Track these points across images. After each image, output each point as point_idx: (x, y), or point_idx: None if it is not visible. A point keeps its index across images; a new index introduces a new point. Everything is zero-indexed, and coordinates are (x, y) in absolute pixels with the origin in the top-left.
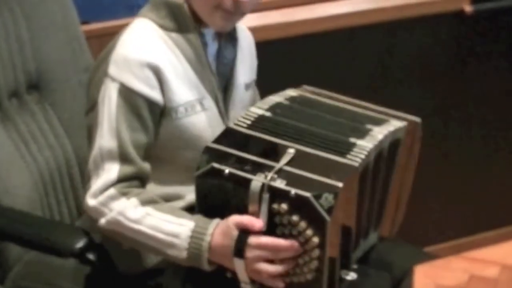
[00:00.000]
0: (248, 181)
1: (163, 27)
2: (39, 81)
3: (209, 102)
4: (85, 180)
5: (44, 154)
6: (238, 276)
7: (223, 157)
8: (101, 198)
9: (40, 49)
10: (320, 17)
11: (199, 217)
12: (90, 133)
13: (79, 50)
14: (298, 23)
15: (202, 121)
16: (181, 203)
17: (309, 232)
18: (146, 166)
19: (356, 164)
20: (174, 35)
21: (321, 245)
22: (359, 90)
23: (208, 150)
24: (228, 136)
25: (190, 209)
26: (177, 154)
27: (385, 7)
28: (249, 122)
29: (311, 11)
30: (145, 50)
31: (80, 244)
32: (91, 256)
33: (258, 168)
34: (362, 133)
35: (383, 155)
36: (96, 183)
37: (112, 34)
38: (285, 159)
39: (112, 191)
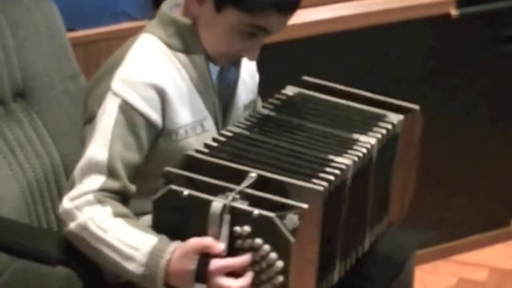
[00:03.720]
0: (208, 202)
1: (169, 45)
2: (25, 89)
3: (210, 123)
4: (67, 186)
5: (31, 162)
6: None
7: (181, 180)
8: (77, 202)
9: (25, 57)
10: (304, 22)
11: (163, 237)
12: (84, 144)
13: (64, 58)
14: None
15: (201, 142)
16: None
17: (272, 255)
18: (132, 187)
19: (321, 189)
20: (180, 54)
21: (285, 271)
22: None
23: (166, 174)
24: (187, 162)
25: None
26: None
27: (370, 12)
28: (215, 144)
29: (296, 17)
30: (151, 71)
31: (67, 252)
32: (78, 264)
33: (218, 190)
34: (345, 147)
35: (373, 161)
36: (77, 188)
37: (98, 41)
38: (246, 182)
39: (90, 196)
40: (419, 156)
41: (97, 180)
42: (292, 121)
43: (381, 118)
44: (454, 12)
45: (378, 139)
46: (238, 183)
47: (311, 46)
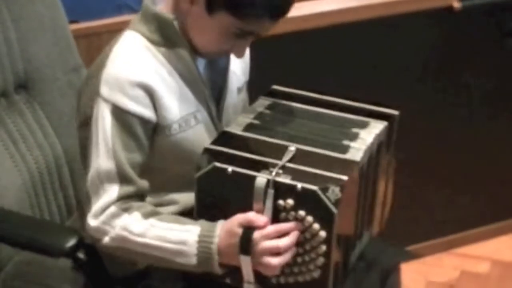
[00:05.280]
0: (253, 178)
1: (153, 42)
2: (27, 81)
3: (203, 114)
4: (84, 202)
5: (33, 153)
6: (243, 275)
7: (224, 157)
8: (103, 217)
9: (28, 49)
10: (307, 14)
11: (203, 222)
12: (83, 146)
13: (67, 49)
14: (285, 21)
15: (196, 134)
16: (174, 208)
17: (316, 226)
18: (144, 183)
19: (358, 159)
20: (164, 49)
21: (328, 240)
22: (348, 88)
23: (207, 151)
24: (225, 138)
25: (185, 214)
26: (171, 166)
27: (373, 4)
28: (242, 127)
29: (298, 9)
30: (136, 69)
31: (70, 243)
32: (81, 256)
33: (260, 166)
34: (352, 136)
35: (373, 157)
36: (97, 204)
37: (100, 34)
38: (287, 156)
39: (113, 209)
40: (395, 172)
41: (113, 190)
42: (292, 119)
43: (366, 125)
44: (456, 4)
45: (376, 134)
46: (278, 156)
47: (315, 38)
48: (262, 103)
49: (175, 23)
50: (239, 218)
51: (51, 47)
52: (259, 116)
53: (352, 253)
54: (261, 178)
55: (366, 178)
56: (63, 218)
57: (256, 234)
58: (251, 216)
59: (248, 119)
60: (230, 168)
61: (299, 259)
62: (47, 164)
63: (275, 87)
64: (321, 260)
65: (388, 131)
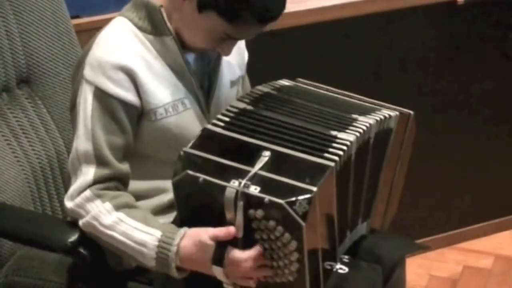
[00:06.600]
0: (223, 188)
1: (141, 28)
2: (29, 76)
3: (191, 102)
4: (66, 182)
5: (35, 148)
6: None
7: (198, 163)
8: (77, 200)
9: (30, 43)
10: (311, 9)
11: (168, 226)
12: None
13: (69, 44)
14: (288, 15)
15: (184, 121)
16: (167, 197)
17: (286, 236)
18: (124, 167)
19: (332, 164)
20: (152, 37)
21: (299, 249)
22: (351, 83)
23: (183, 155)
24: (204, 138)
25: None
26: (160, 152)
27: None
28: (227, 119)
29: (302, 3)
30: (120, 53)
31: (72, 238)
32: (83, 251)
33: (233, 173)
34: (346, 124)
35: (370, 144)
36: (74, 185)
37: (102, 28)
38: (260, 163)
39: (87, 192)
40: (406, 173)
41: (89, 172)
42: (295, 101)
43: (376, 109)
44: None
45: (377, 121)
46: (253, 160)
47: (318, 33)
48: (278, 83)
49: (162, 10)
50: (210, 232)
51: (53, 41)
52: (259, 98)
53: (342, 242)
54: (231, 189)
55: (357, 164)
56: (65, 214)
57: (229, 253)
58: (220, 234)
59: (243, 104)
60: (201, 178)
61: (274, 264)
62: (49, 159)
63: (300, 79)
64: (295, 266)
65: (400, 125)
